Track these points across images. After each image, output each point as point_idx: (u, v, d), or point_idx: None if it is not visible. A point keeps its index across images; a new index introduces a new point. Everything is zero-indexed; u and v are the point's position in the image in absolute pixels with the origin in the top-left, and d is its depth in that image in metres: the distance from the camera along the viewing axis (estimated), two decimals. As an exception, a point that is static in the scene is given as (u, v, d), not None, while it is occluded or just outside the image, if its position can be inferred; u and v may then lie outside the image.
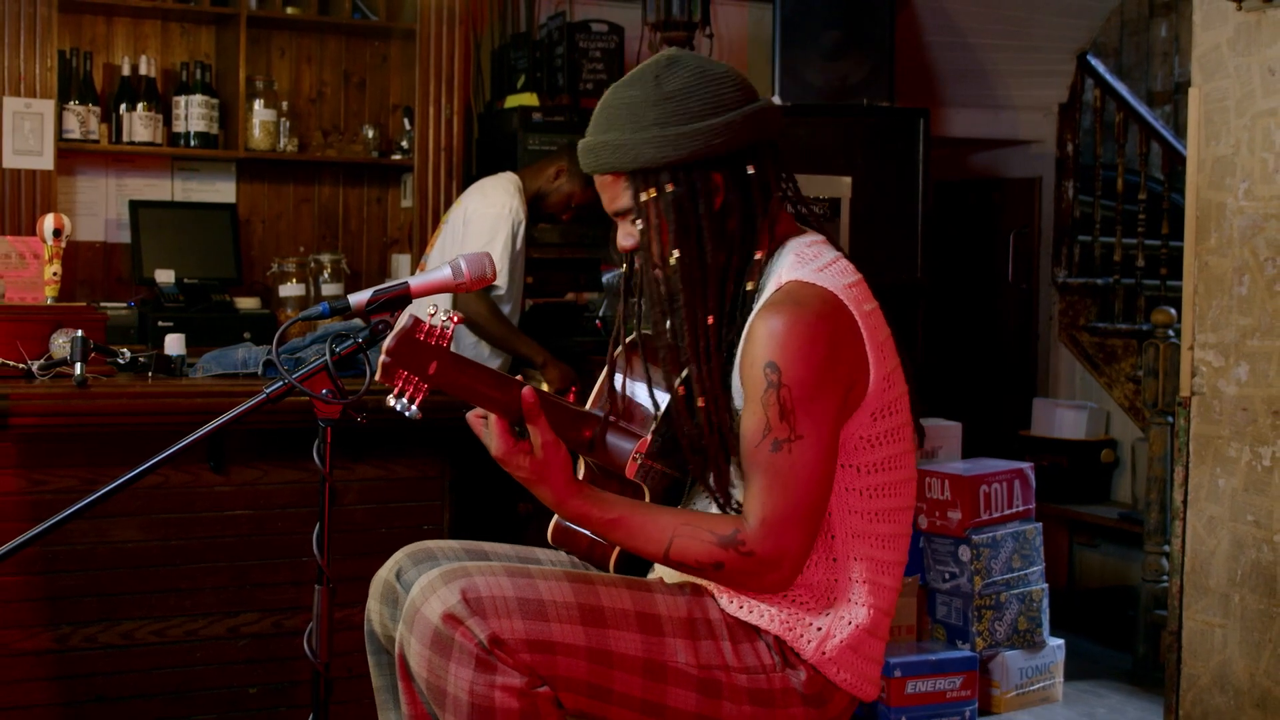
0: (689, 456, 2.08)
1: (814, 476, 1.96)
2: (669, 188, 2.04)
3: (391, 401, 1.96)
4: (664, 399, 2.16)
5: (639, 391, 2.23)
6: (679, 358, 2.07)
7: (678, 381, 2.12)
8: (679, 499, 2.18)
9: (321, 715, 2.18)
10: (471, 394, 2.00)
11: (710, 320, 2.04)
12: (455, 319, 2.00)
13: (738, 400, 2.03)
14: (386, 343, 1.95)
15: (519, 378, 2.08)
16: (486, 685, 1.92)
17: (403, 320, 1.97)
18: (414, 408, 1.97)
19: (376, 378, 1.98)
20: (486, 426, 2.01)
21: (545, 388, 4.24)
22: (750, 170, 2.07)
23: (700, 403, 2.04)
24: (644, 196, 2.06)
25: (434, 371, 1.96)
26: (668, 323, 2.08)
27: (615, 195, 2.11)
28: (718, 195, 2.06)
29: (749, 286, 2.06)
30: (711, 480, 2.05)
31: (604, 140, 2.08)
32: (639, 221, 2.07)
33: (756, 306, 2.02)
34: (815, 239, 2.10)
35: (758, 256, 2.07)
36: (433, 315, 1.98)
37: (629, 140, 2.04)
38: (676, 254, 2.04)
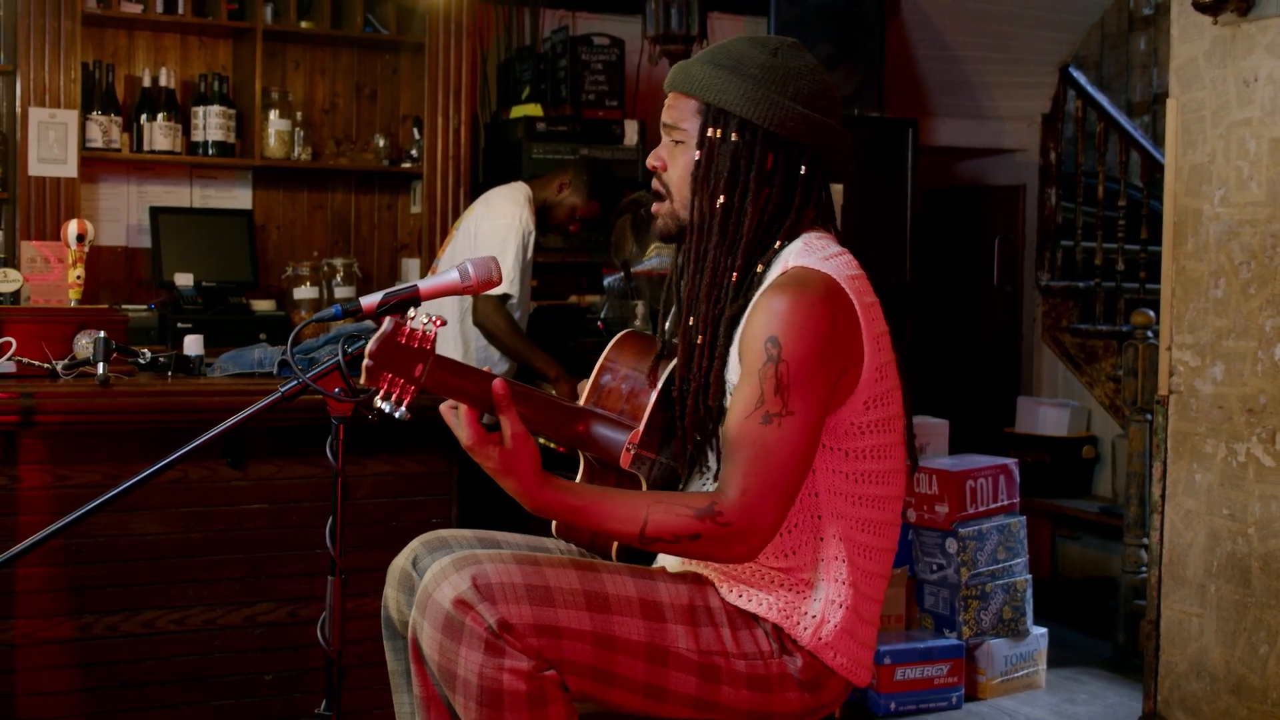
0: (676, 398, 2.07)
1: (797, 453, 1.95)
2: (733, 137, 2.06)
3: (379, 402, 1.93)
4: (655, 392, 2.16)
5: (633, 384, 2.22)
6: (692, 296, 2.07)
7: (670, 367, 2.11)
8: (674, 488, 2.18)
9: (334, 701, 2.18)
10: (452, 390, 1.97)
11: (734, 277, 2.05)
12: (438, 321, 1.96)
13: (731, 373, 2.03)
14: (369, 346, 1.92)
15: (487, 369, 2.06)
16: (495, 668, 1.92)
17: (385, 325, 1.93)
18: (403, 409, 1.94)
19: (361, 381, 1.94)
20: (456, 416, 1.96)
21: None
22: (802, 170, 2.09)
23: (699, 340, 2.04)
24: (710, 132, 2.07)
25: (420, 374, 1.93)
26: (691, 259, 2.08)
27: (679, 113, 2.11)
28: (765, 172, 2.07)
29: (759, 269, 2.06)
30: (696, 416, 2.05)
31: (702, 66, 2.10)
32: (698, 154, 2.08)
33: (762, 287, 2.02)
34: (823, 233, 2.11)
35: (776, 245, 2.07)
36: (413, 318, 1.95)
37: (724, 78, 2.06)
38: (722, 199, 2.06)
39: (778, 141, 2.06)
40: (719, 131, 2.06)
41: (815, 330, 1.94)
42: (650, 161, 2.17)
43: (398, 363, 1.93)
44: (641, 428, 2.13)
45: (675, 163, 2.13)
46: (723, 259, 2.06)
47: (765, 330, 1.95)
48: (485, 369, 2.02)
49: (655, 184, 2.17)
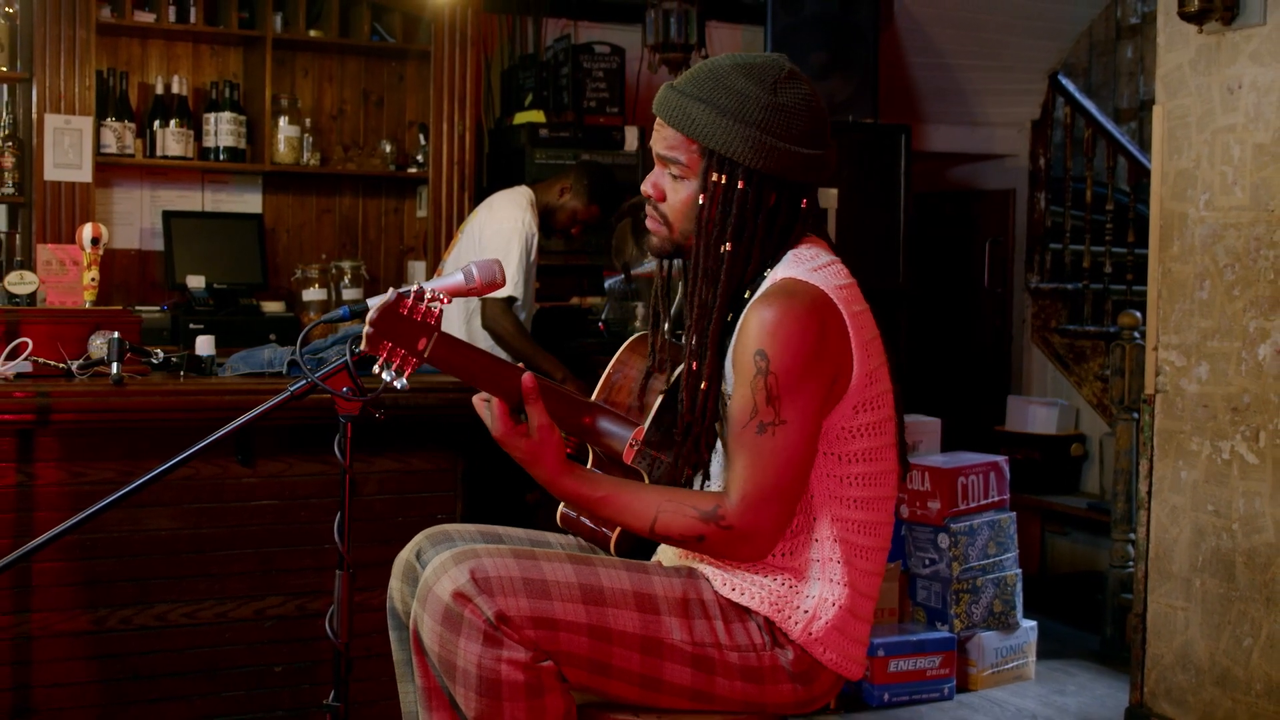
0: (677, 436, 2.08)
1: (794, 458, 1.97)
2: (739, 184, 2.02)
3: (377, 369, 1.96)
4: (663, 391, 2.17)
5: (642, 383, 2.24)
6: (692, 336, 2.06)
7: (679, 371, 2.12)
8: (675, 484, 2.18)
9: (342, 692, 2.18)
10: (472, 376, 2.01)
11: (730, 317, 2.04)
12: (445, 299, 1.99)
13: (728, 385, 2.04)
14: (370, 315, 1.94)
15: (519, 364, 2.07)
16: (494, 659, 1.92)
17: (387, 295, 1.96)
18: (403, 379, 1.96)
19: (361, 347, 1.96)
20: (489, 408, 2.02)
21: None
22: (803, 204, 2.07)
23: (703, 385, 2.04)
24: (714, 177, 2.02)
25: (423, 347, 1.96)
26: (695, 303, 2.05)
27: (676, 148, 2.06)
28: (769, 211, 2.04)
29: (746, 295, 2.05)
30: (691, 459, 2.06)
31: (700, 103, 2.02)
32: (702, 197, 2.03)
33: (752, 299, 2.02)
34: (814, 242, 2.10)
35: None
36: (418, 292, 1.97)
37: (725, 124, 2.00)
38: (728, 246, 2.03)
39: (781, 184, 2.04)
40: (724, 177, 2.02)
41: (802, 341, 1.95)
42: (645, 189, 2.12)
43: (399, 333, 1.95)
44: (646, 426, 2.13)
45: (674, 195, 2.09)
46: (727, 304, 2.04)
47: (754, 343, 1.95)
48: (519, 365, 2.04)
49: (651, 210, 2.13)
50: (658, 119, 2.10)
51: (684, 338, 2.10)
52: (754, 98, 2.01)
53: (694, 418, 2.05)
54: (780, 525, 1.99)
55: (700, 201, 2.05)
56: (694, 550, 2.04)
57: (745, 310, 2.01)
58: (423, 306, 1.96)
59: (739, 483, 1.97)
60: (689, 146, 2.05)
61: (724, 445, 2.04)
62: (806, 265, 2.03)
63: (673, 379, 2.18)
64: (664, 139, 2.08)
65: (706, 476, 2.09)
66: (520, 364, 2.07)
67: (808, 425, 1.97)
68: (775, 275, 2.03)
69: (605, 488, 2.03)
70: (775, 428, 1.95)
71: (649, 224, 2.15)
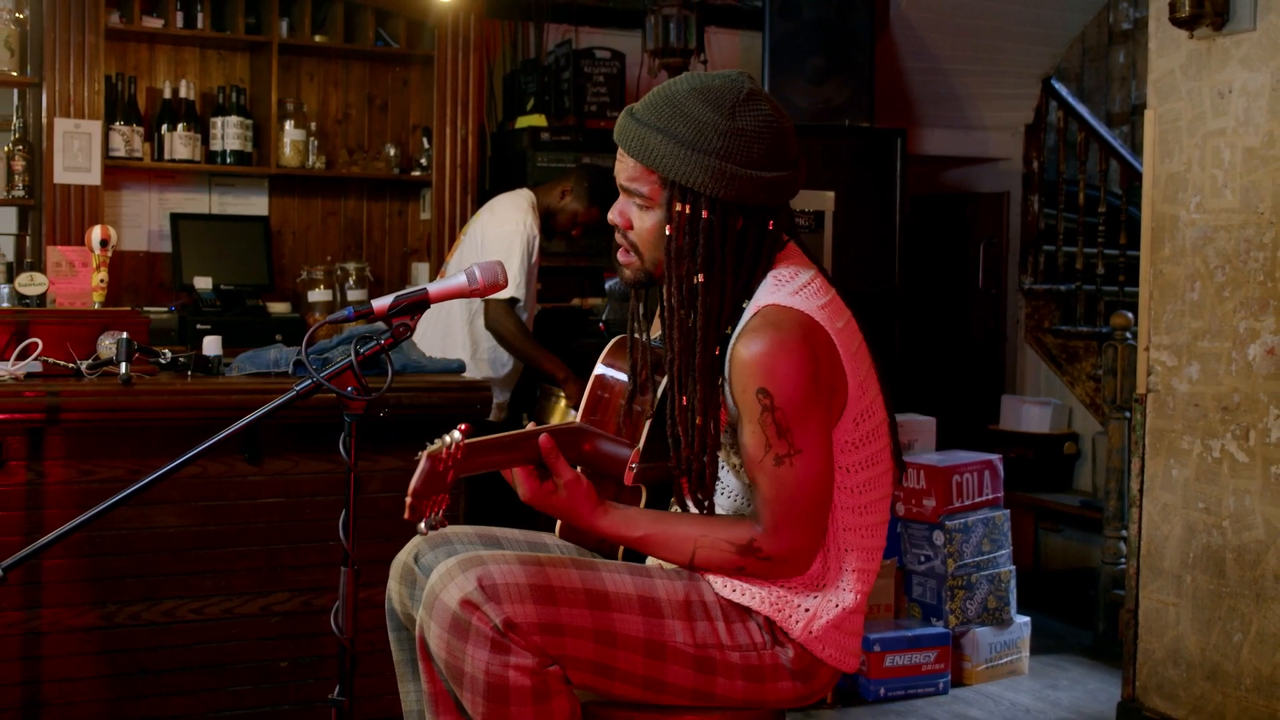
0: (677, 467, 2.05)
1: (815, 482, 1.98)
2: (704, 214, 1.98)
3: (422, 527, 1.90)
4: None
5: (628, 394, 2.22)
6: (676, 367, 2.02)
7: (664, 385, 2.11)
8: (670, 494, 2.17)
9: (347, 687, 2.18)
10: (492, 466, 1.99)
11: (718, 351, 2.01)
12: (463, 427, 1.94)
13: (730, 416, 2.02)
14: (412, 485, 1.87)
15: (531, 424, 2.06)
16: (501, 665, 1.92)
17: (422, 464, 1.89)
18: (440, 515, 1.92)
19: (405, 517, 1.88)
20: (514, 474, 2.04)
21: (564, 402, 4.25)
22: (770, 225, 2.04)
23: (698, 420, 2.01)
24: (678, 207, 1.99)
25: (451, 480, 1.92)
26: (676, 335, 2.01)
27: (638, 180, 2.03)
28: (737, 234, 2.01)
29: (728, 331, 2.02)
30: (696, 491, 2.05)
31: (658, 134, 1.98)
32: (669, 228, 2.00)
33: (737, 330, 2.00)
34: (791, 256, 2.07)
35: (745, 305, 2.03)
36: (444, 440, 1.92)
37: (684, 154, 1.96)
38: (701, 278, 1.99)
39: (746, 210, 2.00)
40: (687, 207, 1.98)
41: (799, 371, 1.93)
42: (612, 218, 2.09)
43: (435, 487, 1.90)
44: (641, 446, 2.12)
45: (641, 224, 2.06)
46: (710, 335, 2.00)
47: (753, 381, 1.93)
48: (530, 426, 2.02)
49: (620, 239, 2.10)
50: (619, 149, 2.06)
51: (666, 364, 2.06)
52: (711, 125, 1.96)
53: (693, 453, 2.02)
54: (816, 543, 2.02)
55: (667, 232, 2.01)
56: (737, 578, 2.04)
57: (733, 343, 1.98)
58: (450, 448, 1.91)
59: (768, 513, 1.98)
60: (650, 177, 2.01)
61: (733, 470, 2.05)
62: (787, 289, 2.00)
63: (659, 394, 2.16)
64: (625, 170, 2.05)
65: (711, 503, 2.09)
66: (533, 423, 2.06)
67: (822, 447, 1.98)
68: (757, 302, 1.99)
69: (642, 526, 2.04)
70: (792, 458, 1.95)
71: (620, 255, 2.11)
